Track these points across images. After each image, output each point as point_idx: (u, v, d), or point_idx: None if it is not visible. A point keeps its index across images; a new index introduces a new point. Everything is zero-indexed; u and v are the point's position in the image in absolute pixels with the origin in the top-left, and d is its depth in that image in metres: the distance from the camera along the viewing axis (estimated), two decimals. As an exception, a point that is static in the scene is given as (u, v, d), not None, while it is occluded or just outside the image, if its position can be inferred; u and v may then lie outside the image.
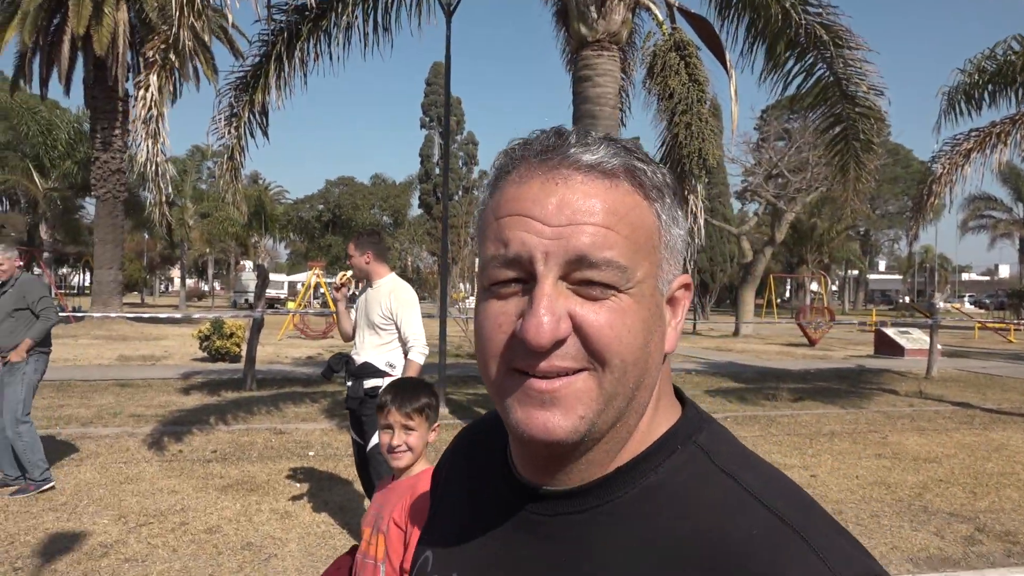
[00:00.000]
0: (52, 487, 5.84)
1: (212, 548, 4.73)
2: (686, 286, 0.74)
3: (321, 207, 45.39)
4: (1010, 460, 7.51)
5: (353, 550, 2.53)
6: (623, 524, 0.68)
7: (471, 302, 26.79)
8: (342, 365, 4.71)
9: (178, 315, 16.27)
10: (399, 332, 4.58)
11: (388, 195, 47.47)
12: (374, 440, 4.45)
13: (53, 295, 7.11)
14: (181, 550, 4.69)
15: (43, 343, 5.99)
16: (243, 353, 14.20)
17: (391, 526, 2.22)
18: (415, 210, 52.56)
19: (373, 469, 4.51)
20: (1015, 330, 26.61)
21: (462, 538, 0.81)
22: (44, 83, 23.92)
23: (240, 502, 5.64)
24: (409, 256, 46.66)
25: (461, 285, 27.41)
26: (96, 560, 4.50)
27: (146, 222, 38.37)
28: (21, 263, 6.19)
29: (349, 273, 4.88)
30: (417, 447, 2.34)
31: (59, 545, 4.70)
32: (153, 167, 6.42)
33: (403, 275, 43.96)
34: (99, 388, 11.09)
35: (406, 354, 4.59)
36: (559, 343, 0.65)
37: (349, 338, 4.84)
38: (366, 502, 5.61)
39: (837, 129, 8.39)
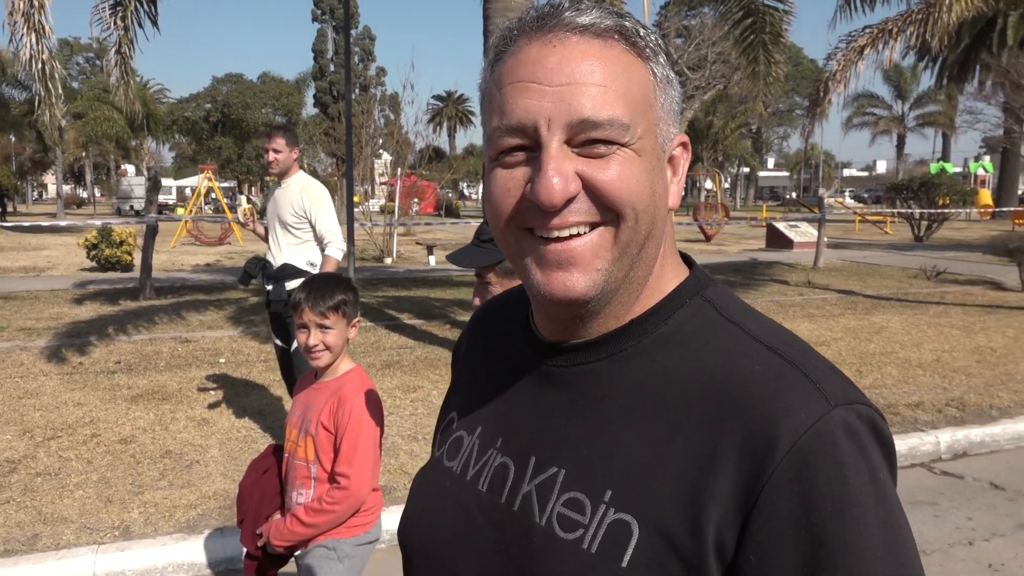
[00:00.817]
0: None
1: (129, 458, 4.63)
2: (684, 144, 0.77)
3: (208, 106, 42.69)
4: (889, 341, 8.14)
5: (277, 449, 2.51)
6: (636, 368, 0.73)
7: (373, 203, 26.28)
8: (259, 269, 4.55)
9: (63, 223, 15.22)
10: (314, 230, 4.48)
11: (280, 93, 45.04)
12: (295, 343, 4.40)
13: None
14: (96, 461, 4.56)
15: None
16: (135, 262, 13.57)
17: (319, 429, 2.20)
18: (310, 109, 50.37)
19: (297, 370, 4.45)
20: (891, 222, 28.33)
21: (485, 397, 0.86)
22: None
23: (153, 411, 5.49)
24: (305, 158, 44.98)
25: (362, 188, 26.73)
26: (5, 476, 4.33)
27: (14, 124, 35.30)
28: None
29: (245, 205, 4.71)
30: (335, 346, 2.25)
31: (-39, 463, 4.48)
32: (40, 65, 5.83)
33: None
34: (-21, 302, 10.39)
35: (323, 251, 4.50)
36: (570, 201, 0.67)
37: None
38: (288, 405, 5.58)
39: (748, 21, 8.46)
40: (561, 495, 0.71)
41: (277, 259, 4.50)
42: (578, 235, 0.68)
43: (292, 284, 4.40)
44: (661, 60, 0.73)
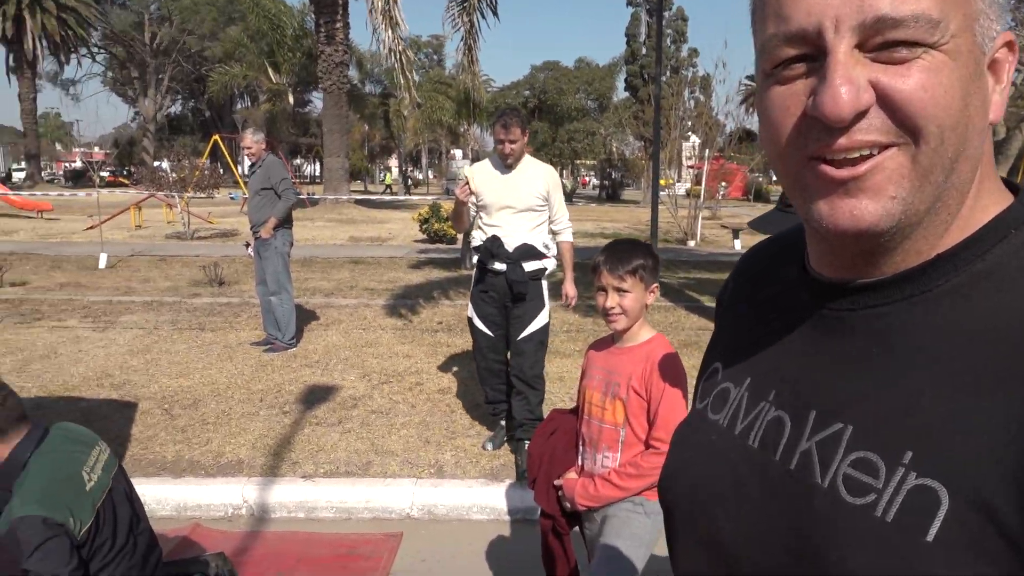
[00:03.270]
0: (294, 349, 6.57)
1: (446, 407, 5.13)
2: (1009, 44, 0.63)
3: (527, 93, 45.42)
4: None
5: (560, 412, 2.57)
6: (944, 311, 0.62)
7: (679, 187, 26.05)
8: (497, 248, 4.32)
9: (401, 197, 17.24)
10: (551, 213, 4.39)
11: (593, 78, 46.43)
12: (532, 327, 4.28)
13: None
14: (419, 406, 5.12)
15: (286, 220, 6.58)
16: (458, 235, 14.93)
17: (631, 394, 2.20)
18: (620, 93, 51.22)
19: (527, 356, 4.30)
20: None
21: (753, 346, 0.79)
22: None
23: (467, 368, 6.01)
24: (614, 141, 45.86)
25: (669, 171, 26.61)
26: (348, 409, 5.04)
27: (368, 115, 40.74)
28: (266, 147, 6.76)
29: (469, 182, 4.40)
30: (631, 310, 2.25)
31: (316, 395, 5.31)
32: (397, 56, 6.74)
33: (608, 163, 42.64)
34: (336, 265, 12.18)
35: (557, 234, 4.43)
36: (860, 115, 0.58)
37: (466, 228, 4.54)
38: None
39: None
40: (848, 454, 0.63)
41: (511, 240, 4.30)
42: (869, 156, 0.59)
43: (530, 265, 4.27)
44: None
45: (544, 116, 43.77)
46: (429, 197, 21.45)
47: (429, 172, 67.80)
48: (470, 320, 4.48)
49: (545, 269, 4.33)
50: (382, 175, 70.50)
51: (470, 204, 4.33)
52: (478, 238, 4.39)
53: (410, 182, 54.16)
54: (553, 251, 4.40)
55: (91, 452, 2.44)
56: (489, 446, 4.46)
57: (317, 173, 62.87)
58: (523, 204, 4.27)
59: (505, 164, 4.30)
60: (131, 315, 8.05)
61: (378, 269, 11.77)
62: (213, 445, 4.46)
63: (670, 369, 2.15)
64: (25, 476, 2.24)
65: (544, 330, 4.34)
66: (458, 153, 56.86)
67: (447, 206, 16.29)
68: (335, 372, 5.89)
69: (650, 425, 2.19)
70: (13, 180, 43.20)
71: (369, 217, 22.89)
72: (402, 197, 21.60)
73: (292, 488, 4.00)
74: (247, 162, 6.79)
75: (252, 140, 6.56)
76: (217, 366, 6.06)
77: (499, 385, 4.50)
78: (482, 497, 3.95)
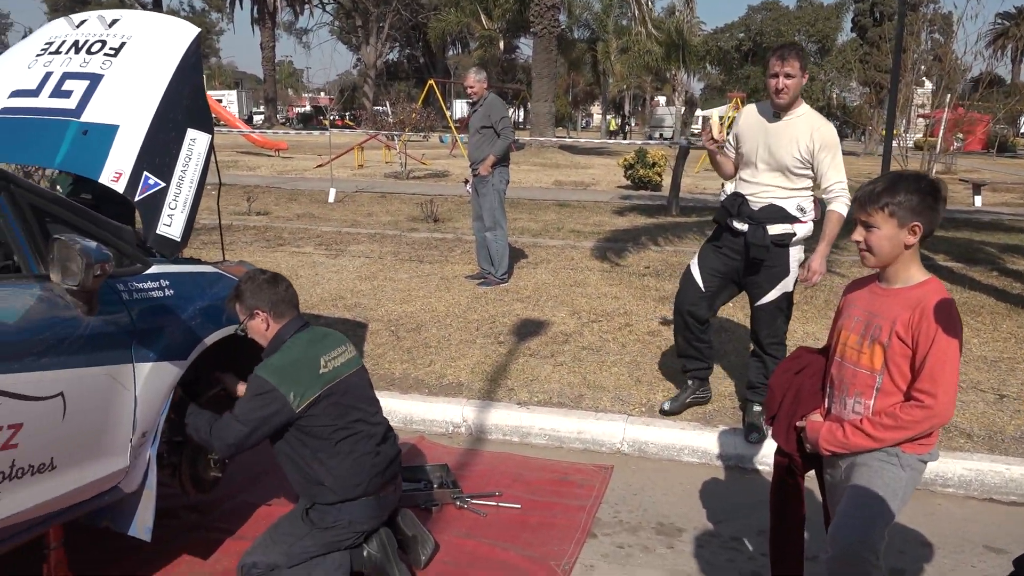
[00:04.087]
0: (506, 284, 6.77)
1: (655, 348, 5.10)
2: None
3: (741, 35, 43.12)
4: None
5: (807, 351, 2.42)
6: None
7: (909, 138, 23.67)
8: (737, 207, 3.89)
9: (610, 141, 17.13)
10: (817, 177, 3.78)
11: (816, 19, 43.08)
12: (771, 295, 3.88)
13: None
14: (629, 346, 5.13)
15: (504, 159, 6.73)
16: (664, 182, 14.62)
17: (894, 339, 2.03)
18: (846, 35, 47.17)
19: (763, 324, 3.96)
20: None
21: None
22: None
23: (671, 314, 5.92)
24: (835, 88, 42.47)
25: (899, 120, 24.19)
26: (559, 344, 5.15)
27: (574, 60, 40.63)
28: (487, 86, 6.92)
29: (716, 119, 3.94)
30: (878, 248, 2.06)
31: (529, 329, 5.47)
32: None
33: (827, 111, 39.49)
34: (542, 207, 12.37)
35: (828, 203, 3.76)
36: None
37: (731, 177, 4.07)
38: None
39: None
40: None
41: (759, 199, 3.81)
42: None
43: (775, 229, 3.79)
44: None
45: (758, 60, 41.36)
46: (637, 142, 21.15)
47: (631, 120, 66.67)
48: (688, 268, 4.11)
49: (794, 234, 3.80)
50: (584, 121, 70.43)
51: (726, 152, 4.00)
52: (727, 190, 4.02)
53: (627, 128, 55.61)
54: (811, 215, 3.86)
55: (337, 347, 2.78)
56: (666, 405, 4.16)
57: (521, 119, 64.00)
58: (777, 162, 3.76)
59: (775, 108, 3.79)
60: (358, 245, 8.69)
61: (583, 212, 11.82)
62: (435, 367, 4.74)
63: (944, 317, 1.97)
64: (281, 349, 2.70)
65: (786, 298, 3.92)
66: (662, 100, 55.30)
67: (653, 152, 15.96)
68: (546, 308, 6.03)
69: (913, 375, 2.02)
70: (254, 122, 47.70)
71: (573, 162, 22.99)
72: (611, 141, 21.38)
73: (508, 413, 4.17)
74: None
75: (475, 79, 6.74)
76: (436, 295, 6.41)
77: (690, 341, 4.10)
78: (694, 440, 3.91)
